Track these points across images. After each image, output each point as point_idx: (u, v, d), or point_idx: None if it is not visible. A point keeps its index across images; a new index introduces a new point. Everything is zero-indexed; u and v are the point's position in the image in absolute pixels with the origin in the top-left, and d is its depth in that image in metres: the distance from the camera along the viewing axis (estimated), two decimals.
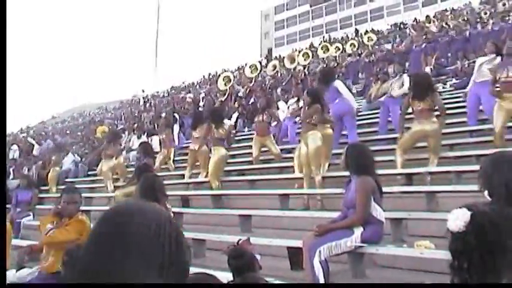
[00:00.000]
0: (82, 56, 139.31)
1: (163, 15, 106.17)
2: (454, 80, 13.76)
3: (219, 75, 20.09)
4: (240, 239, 3.42)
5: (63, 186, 13.05)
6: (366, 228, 4.09)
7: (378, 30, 36.90)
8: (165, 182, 10.19)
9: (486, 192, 2.77)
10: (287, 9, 59.84)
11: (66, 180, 13.89)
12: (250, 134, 12.93)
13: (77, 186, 12.76)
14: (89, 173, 14.53)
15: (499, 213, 1.59)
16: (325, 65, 20.26)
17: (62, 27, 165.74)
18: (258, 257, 3.31)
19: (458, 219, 1.60)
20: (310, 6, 57.56)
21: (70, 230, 4.61)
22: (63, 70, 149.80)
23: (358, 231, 4.08)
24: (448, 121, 9.79)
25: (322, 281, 3.97)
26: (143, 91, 39.67)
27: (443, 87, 13.87)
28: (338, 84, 8.80)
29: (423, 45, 11.84)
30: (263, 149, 9.64)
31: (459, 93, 12.18)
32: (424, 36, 15.88)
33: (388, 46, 23.32)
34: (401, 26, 35.30)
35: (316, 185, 6.84)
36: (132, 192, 7.11)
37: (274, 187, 7.96)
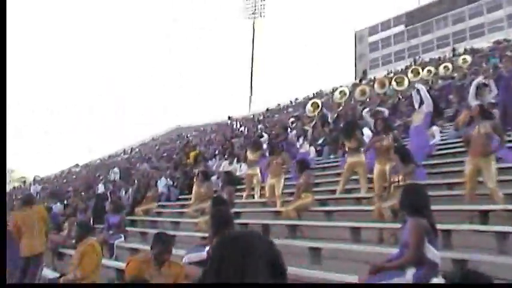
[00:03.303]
0: (183, 77, 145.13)
1: (259, 38, 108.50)
2: None
3: (309, 99, 20.33)
4: None
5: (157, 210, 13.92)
6: (418, 269, 4.13)
7: (477, 49, 35.59)
8: (248, 209, 10.67)
9: None
10: (381, 30, 59.21)
11: (159, 203, 14.64)
12: (336, 162, 12.92)
13: (166, 210, 13.70)
14: (180, 196, 15.20)
15: None
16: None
17: (163, 54, 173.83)
18: None
19: None
20: (405, 27, 56.56)
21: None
22: (164, 92, 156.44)
23: (410, 272, 4.12)
24: None
25: None
26: (229, 118, 40.73)
27: None
28: None
29: None
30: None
31: None
32: None
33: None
34: (505, 42, 33.77)
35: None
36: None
37: (351, 218, 8.04)
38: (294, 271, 6.05)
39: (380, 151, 8.22)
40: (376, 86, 19.16)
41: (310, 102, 18.14)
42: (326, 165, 13.20)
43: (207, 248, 6.22)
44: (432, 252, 4.21)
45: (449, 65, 23.12)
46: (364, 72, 49.67)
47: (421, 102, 9.96)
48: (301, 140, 14.19)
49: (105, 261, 7.87)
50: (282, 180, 9.99)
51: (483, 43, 39.47)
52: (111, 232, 10.35)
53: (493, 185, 6.72)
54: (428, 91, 15.31)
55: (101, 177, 19.63)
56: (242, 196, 11.85)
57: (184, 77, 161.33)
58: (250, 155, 11.80)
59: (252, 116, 42.15)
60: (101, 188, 15.62)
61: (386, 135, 8.25)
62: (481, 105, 7.50)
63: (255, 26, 68.10)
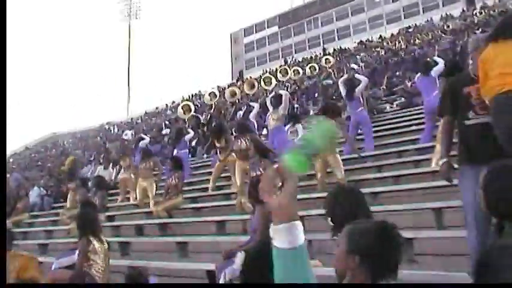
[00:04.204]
0: (57, 82, 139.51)
1: (135, 41, 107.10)
2: (402, 100, 14.47)
3: (178, 104, 20.67)
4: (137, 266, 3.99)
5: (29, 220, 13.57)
6: None
7: (345, 49, 37.96)
8: (122, 212, 10.80)
9: (329, 219, 3.33)
10: (256, 31, 60.95)
11: (32, 213, 14.24)
12: (208, 162, 13.37)
13: (39, 220, 13.40)
14: (54, 205, 14.88)
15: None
16: (286, 88, 21.08)
17: (33, 54, 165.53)
18: (153, 281, 3.88)
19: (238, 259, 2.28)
20: (279, 28, 58.76)
21: None
22: (36, 98, 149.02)
23: None
24: (394, 140, 10.46)
25: None
26: (108, 123, 39.82)
27: (390, 107, 14.63)
28: None
29: None
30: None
31: (405, 112, 12.98)
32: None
33: (354, 65, 24.14)
34: (367, 43, 36.32)
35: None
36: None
37: (219, 213, 8.51)
38: (165, 265, 6.44)
39: (239, 152, 8.71)
40: (245, 86, 19.96)
41: (181, 104, 18.47)
42: (199, 164, 13.63)
43: (77, 252, 6.36)
44: None
45: (315, 65, 24.59)
46: (240, 73, 50.83)
47: (278, 105, 10.63)
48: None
49: None
50: (154, 183, 10.23)
51: (349, 43, 42.12)
52: None
53: (341, 175, 7.52)
54: (293, 92, 16.34)
55: None
56: (116, 200, 11.96)
57: (59, 81, 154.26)
58: (121, 162, 12.02)
59: (130, 120, 41.59)
60: None
61: (243, 137, 8.71)
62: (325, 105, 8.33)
63: (130, 28, 66.86)
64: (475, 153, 3.61)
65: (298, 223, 1.35)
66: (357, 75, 11.35)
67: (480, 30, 19.55)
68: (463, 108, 3.74)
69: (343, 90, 10.55)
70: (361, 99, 10.45)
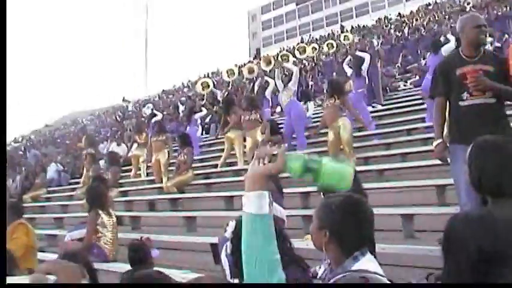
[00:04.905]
0: (75, 61, 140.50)
1: (152, 19, 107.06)
2: (416, 78, 14.37)
3: (196, 81, 20.75)
4: (142, 236, 4.14)
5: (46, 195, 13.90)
6: None
7: (363, 26, 37.52)
8: (135, 187, 11.01)
9: (321, 194, 3.42)
10: (273, 9, 60.43)
11: (49, 188, 14.55)
12: (222, 138, 13.52)
13: (56, 195, 13.72)
14: (71, 181, 15.18)
15: None
16: (302, 66, 21.07)
17: (53, 34, 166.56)
18: (155, 253, 4.03)
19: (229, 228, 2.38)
20: (296, 5, 58.15)
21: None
22: (56, 77, 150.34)
23: None
24: (404, 118, 10.45)
25: (228, 272, 4.64)
26: (124, 99, 39.97)
27: (404, 85, 14.58)
28: None
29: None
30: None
31: (417, 91, 12.91)
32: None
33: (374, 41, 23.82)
34: (386, 20, 35.87)
35: None
36: None
37: (228, 189, 8.65)
38: (173, 238, 6.63)
39: (248, 122, 8.85)
40: (262, 63, 19.93)
41: (200, 81, 18.59)
42: (213, 141, 13.76)
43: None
44: (278, 210, 4.84)
45: (333, 42, 24.39)
46: (258, 50, 50.55)
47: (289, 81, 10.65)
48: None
49: None
50: (166, 156, 10.28)
51: (368, 21, 41.62)
52: None
53: (348, 149, 7.59)
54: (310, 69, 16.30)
55: None
56: (129, 176, 12.18)
57: (77, 60, 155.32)
58: (136, 138, 12.22)
59: (147, 98, 41.83)
60: None
61: (253, 111, 8.86)
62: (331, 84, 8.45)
63: (147, 6, 66.93)
64: (467, 133, 3.61)
65: (267, 193, 1.46)
66: (358, 53, 11.46)
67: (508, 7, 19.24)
68: (457, 89, 3.77)
69: (348, 69, 10.76)
70: (366, 79, 10.53)
